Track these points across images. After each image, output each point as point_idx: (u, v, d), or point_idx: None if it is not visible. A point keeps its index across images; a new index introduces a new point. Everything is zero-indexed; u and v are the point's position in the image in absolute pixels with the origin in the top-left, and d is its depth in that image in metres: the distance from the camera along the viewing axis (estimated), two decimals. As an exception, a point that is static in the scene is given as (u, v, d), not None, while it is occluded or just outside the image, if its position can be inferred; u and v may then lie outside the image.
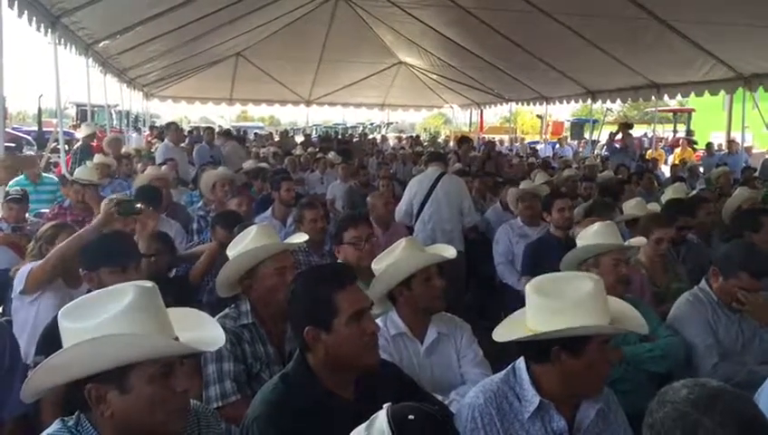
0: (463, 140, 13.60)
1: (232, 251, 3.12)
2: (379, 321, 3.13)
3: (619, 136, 14.46)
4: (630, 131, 15.05)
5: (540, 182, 7.66)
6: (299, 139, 24.43)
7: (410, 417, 1.43)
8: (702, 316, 3.50)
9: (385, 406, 1.48)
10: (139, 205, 4.10)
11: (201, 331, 1.94)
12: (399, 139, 29.13)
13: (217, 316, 2.84)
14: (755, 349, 3.48)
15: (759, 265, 3.41)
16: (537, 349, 2.16)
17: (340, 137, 26.11)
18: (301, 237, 3.39)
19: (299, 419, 2.08)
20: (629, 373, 3.35)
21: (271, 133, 27.67)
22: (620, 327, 2.25)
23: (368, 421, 1.46)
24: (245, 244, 3.08)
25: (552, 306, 2.13)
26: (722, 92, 12.92)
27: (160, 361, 1.68)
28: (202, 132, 16.32)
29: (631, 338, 3.43)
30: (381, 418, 1.44)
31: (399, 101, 25.47)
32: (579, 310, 2.10)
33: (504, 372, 2.30)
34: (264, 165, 10.08)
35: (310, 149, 15.86)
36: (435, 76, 21.21)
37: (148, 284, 1.80)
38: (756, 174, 11.25)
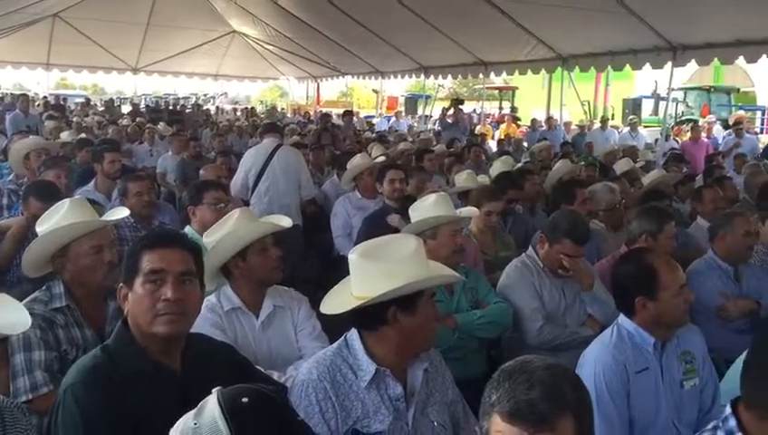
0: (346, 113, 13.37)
1: (41, 227, 2.83)
2: (212, 296, 3.01)
3: (451, 111, 14.97)
4: (461, 107, 15.63)
5: (376, 155, 7.71)
6: (126, 109, 22.97)
7: (244, 400, 1.32)
8: (528, 282, 3.67)
9: (215, 390, 1.35)
10: None
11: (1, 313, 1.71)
12: (235, 110, 28.31)
13: (25, 300, 2.56)
14: (576, 312, 3.70)
15: (580, 233, 3.64)
16: (371, 315, 2.14)
17: (171, 107, 24.87)
18: (121, 212, 3.14)
19: (120, 386, 1.91)
20: (461, 341, 3.43)
21: (89, 100, 25.82)
22: (450, 276, 2.35)
23: (196, 408, 1.33)
24: (57, 220, 2.80)
25: (381, 269, 2.12)
26: (542, 71, 13.73)
27: None
28: (16, 100, 14.87)
29: (463, 306, 3.53)
30: (212, 403, 1.32)
31: (234, 72, 24.69)
32: (407, 267, 2.11)
33: (335, 344, 2.26)
34: (84, 136, 9.35)
35: (138, 120, 14.96)
36: (270, 47, 20.79)
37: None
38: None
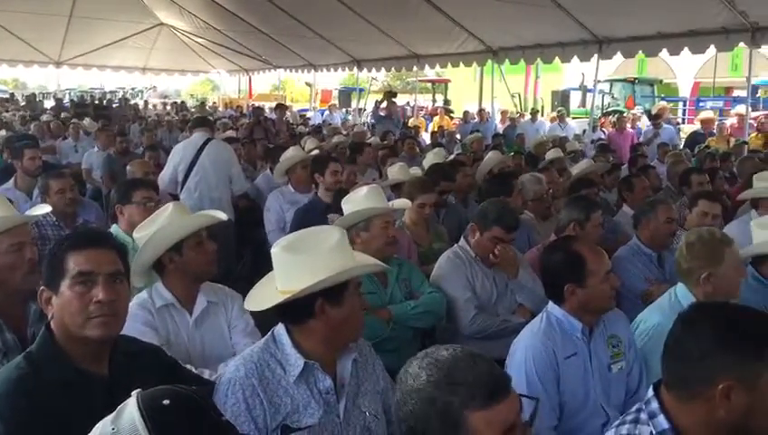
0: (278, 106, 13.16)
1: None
2: (143, 293, 2.93)
3: (384, 105, 14.99)
4: (394, 100, 15.68)
5: (310, 148, 7.64)
6: (49, 104, 22.13)
7: (165, 402, 1.27)
8: (461, 272, 3.71)
9: (134, 393, 1.30)
10: None
11: None
12: (164, 105, 27.65)
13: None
14: (507, 300, 3.77)
15: (510, 220, 3.71)
16: (297, 309, 2.12)
17: (97, 102, 24.09)
18: (42, 209, 3.02)
19: (45, 395, 1.83)
20: (396, 331, 3.44)
21: (13, 95, 24.79)
22: (374, 265, 2.36)
23: (115, 412, 1.28)
24: (-31, 218, 2.67)
25: (305, 262, 2.10)
26: (474, 64, 13.90)
27: None
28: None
29: (396, 297, 3.53)
30: (131, 406, 1.27)
31: (163, 66, 24.02)
32: (331, 259, 2.11)
33: (262, 340, 2.23)
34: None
35: (63, 115, 14.44)
36: (200, 40, 20.35)
37: None
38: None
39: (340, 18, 13.15)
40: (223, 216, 3.17)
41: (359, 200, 3.65)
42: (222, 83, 29.51)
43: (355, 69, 17.14)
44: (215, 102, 30.56)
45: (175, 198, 6.31)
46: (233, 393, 2.07)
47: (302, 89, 35.65)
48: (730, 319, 1.71)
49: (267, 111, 19.44)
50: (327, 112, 22.17)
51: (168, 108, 24.69)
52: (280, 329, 2.20)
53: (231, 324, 2.99)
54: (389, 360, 2.52)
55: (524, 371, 2.60)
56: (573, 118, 19.17)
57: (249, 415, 2.05)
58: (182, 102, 27.36)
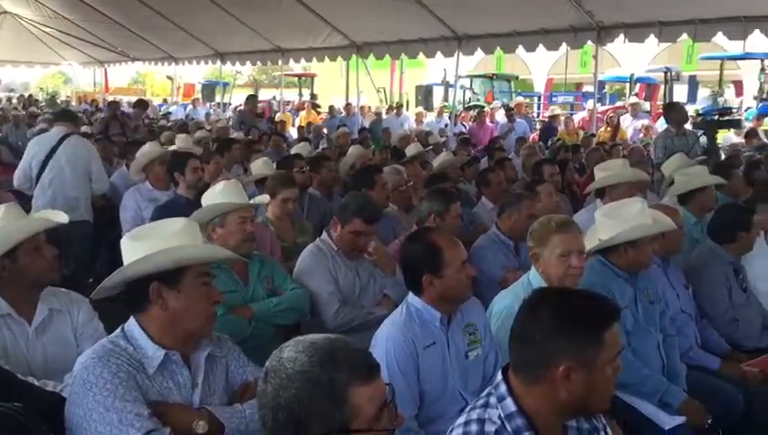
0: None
1: None
2: (-27, 304, 2.69)
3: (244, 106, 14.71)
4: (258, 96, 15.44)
5: (179, 145, 7.37)
6: None
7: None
8: (323, 266, 3.70)
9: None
10: None
11: None
12: (9, 99, 25.72)
13: None
14: (371, 292, 3.80)
15: (370, 212, 3.74)
16: (136, 294, 2.12)
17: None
18: None
19: None
20: (259, 329, 3.38)
21: None
22: (223, 252, 2.46)
23: None
24: None
25: (145, 247, 2.13)
26: (339, 58, 13.94)
27: None
28: None
29: (259, 295, 3.48)
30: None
31: (7, 56, 22.28)
32: (170, 243, 2.13)
33: (106, 340, 2.15)
34: None
35: None
36: (48, 29, 19.06)
37: None
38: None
39: (202, 10, 12.80)
40: (63, 217, 2.98)
41: (214, 196, 3.57)
42: (75, 76, 27.84)
43: (218, 62, 16.71)
44: (68, 96, 28.81)
45: (24, 197, 5.93)
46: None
47: (164, 82, 34.30)
48: (569, 304, 1.80)
49: (125, 105, 18.57)
50: (190, 107, 21.49)
51: (15, 102, 23.00)
52: (130, 324, 2.16)
53: (78, 332, 2.81)
54: (252, 358, 2.48)
55: (385, 362, 2.62)
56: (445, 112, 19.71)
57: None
58: (29, 96, 25.60)
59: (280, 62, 15.00)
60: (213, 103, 24.15)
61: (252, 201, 3.87)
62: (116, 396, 1.99)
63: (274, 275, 3.61)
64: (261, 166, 5.86)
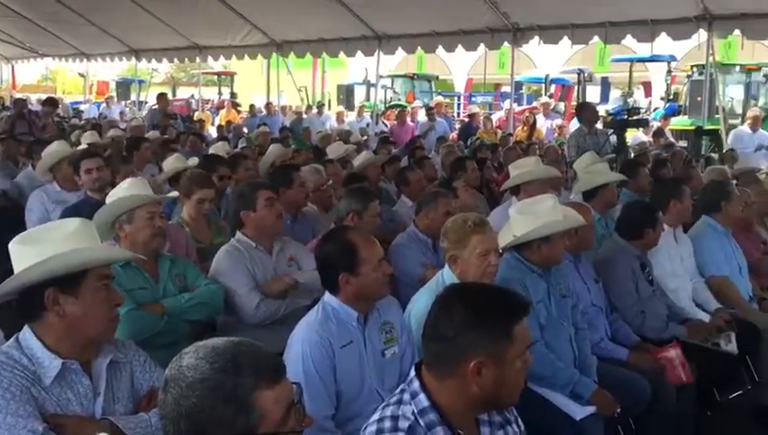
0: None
1: None
2: None
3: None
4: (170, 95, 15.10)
5: (87, 142, 7.13)
6: None
7: None
8: (241, 264, 3.63)
9: None
10: None
11: None
12: None
13: None
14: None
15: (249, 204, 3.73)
16: (30, 302, 2.01)
17: None
18: None
19: None
20: (171, 325, 3.29)
21: None
22: (121, 252, 2.44)
23: None
24: None
25: (33, 251, 2.01)
26: (259, 57, 13.78)
27: None
28: None
29: (170, 293, 3.38)
30: None
31: None
32: (64, 247, 2.03)
33: (0, 350, 2.04)
34: None
35: None
36: (-53, 23, 18.09)
37: None
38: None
39: (115, 5, 12.45)
40: None
41: (120, 191, 3.48)
42: (-21, 72, 26.47)
43: (133, 59, 16.23)
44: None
45: None
46: None
47: (76, 79, 33.03)
48: (479, 299, 1.83)
49: (34, 102, 17.77)
50: (104, 105, 20.77)
51: None
52: (24, 332, 2.04)
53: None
54: (165, 355, 2.37)
55: (301, 362, 2.59)
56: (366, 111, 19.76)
57: None
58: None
59: (198, 59, 14.70)
60: (128, 102, 23.43)
61: (168, 196, 3.77)
62: (8, 412, 1.89)
63: (187, 272, 3.52)
64: (173, 162, 5.72)
